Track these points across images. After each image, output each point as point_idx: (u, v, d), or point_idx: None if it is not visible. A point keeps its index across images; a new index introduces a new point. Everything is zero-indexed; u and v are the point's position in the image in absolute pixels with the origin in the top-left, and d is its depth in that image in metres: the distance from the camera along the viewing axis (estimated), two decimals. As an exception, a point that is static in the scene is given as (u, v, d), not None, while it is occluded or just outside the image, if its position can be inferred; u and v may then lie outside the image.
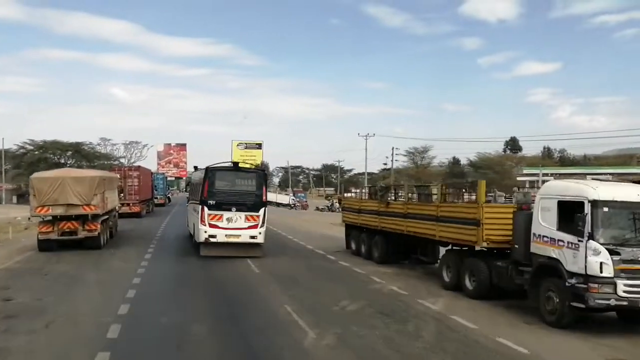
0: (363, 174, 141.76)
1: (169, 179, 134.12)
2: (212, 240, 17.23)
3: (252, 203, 17.61)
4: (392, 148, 68.11)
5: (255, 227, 17.47)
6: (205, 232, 17.19)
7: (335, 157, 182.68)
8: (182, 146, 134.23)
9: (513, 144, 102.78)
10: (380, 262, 17.19)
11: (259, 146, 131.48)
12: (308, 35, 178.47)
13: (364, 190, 19.92)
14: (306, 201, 65.28)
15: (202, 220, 17.19)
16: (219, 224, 17.21)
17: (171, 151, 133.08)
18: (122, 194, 30.66)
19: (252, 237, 17.47)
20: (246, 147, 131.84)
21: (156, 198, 52.09)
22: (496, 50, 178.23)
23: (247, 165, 25.45)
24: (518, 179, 61.01)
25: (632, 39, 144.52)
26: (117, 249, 19.52)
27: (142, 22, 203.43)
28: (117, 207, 25.71)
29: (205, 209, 17.23)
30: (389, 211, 16.55)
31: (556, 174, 62.28)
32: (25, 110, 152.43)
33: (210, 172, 17.91)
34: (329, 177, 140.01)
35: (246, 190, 17.84)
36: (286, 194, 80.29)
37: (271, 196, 79.03)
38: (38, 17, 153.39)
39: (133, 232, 26.15)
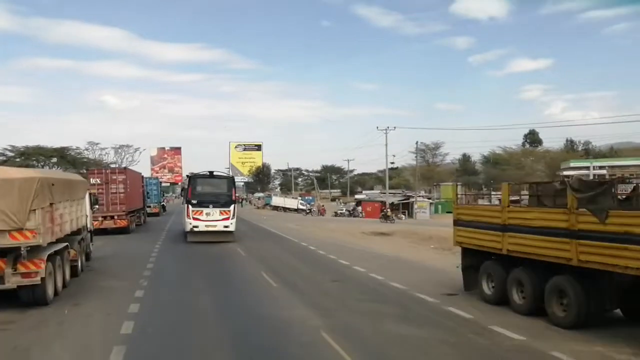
0: (368, 174, 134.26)
1: (163, 184, 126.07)
2: (195, 229, 22.10)
3: (224, 201, 22.42)
4: (417, 142, 59.42)
5: (227, 219, 22.26)
6: (190, 223, 22.16)
7: (333, 159, 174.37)
8: (177, 150, 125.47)
9: (533, 137, 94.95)
10: (571, 325, 8.92)
11: (258, 147, 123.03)
12: (299, 38, 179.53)
13: (524, 192, 11.29)
14: (323, 206, 56.78)
15: (188, 215, 22.22)
16: (200, 217, 22.02)
17: (165, 155, 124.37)
18: (98, 205, 22.16)
19: (225, 227, 22.31)
20: (245, 149, 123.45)
21: (149, 207, 43.62)
22: (488, 48, 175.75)
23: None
24: (564, 173, 53.03)
25: (622, 34, 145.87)
26: (77, 303, 10.91)
27: (133, 29, 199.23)
28: (88, 226, 17.27)
29: (190, 206, 22.14)
30: (608, 231, 8.20)
31: (608, 166, 54.39)
32: (15, 120, 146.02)
33: (192, 179, 23.48)
34: (329, 178, 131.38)
35: (219, 192, 22.71)
36: (294, 198, 71.90)
37: (278, 200, 70.75)
38: (28, 26, 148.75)
39: (113, 260, 17.67)
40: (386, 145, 58.32)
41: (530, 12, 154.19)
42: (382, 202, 57.26)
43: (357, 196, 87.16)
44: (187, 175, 29.31)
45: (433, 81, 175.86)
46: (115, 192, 27.44)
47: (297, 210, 67.95)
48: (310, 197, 78.74)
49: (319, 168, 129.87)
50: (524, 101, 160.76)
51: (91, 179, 26.98)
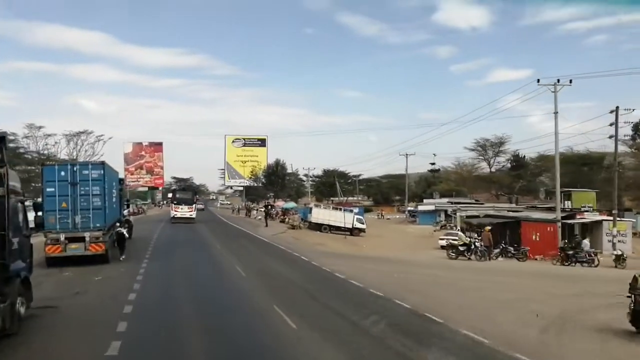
0: (373, 179, 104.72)
1: (139, 189, 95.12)
2: (175, 216, 42.62)
3: (189, 202, 44.41)
4: (616, 108, 30.27)
5: (191, 211, 43.18)
6: (172, 213, 43.26)
7: (326, 165, 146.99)
8: (158, 146, 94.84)
9: (641, 130, 67.56)
10: None
11: (262, 143, 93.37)
12: (282, 45, 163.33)
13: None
14: (490, 231, 26.81)
15: (172, 209, 44.02)
16: (177, 210, 42.97)
17: (143, 152, 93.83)
18: None
19: (190, 215, 42.80)
20: (245, 144, 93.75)
21: (79, 241, 14.82)
22: (469, 57, 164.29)
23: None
24: None
25: (601, 45, 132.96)
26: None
27: (113, 32, 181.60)
28: None
29: (173, 205, 44.40)
30: None
31: None
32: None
33: (174, 190, 53.75)
34: (334, 184, 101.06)
35: (187, 197, 45.46)
36: (349, 210, 43.11)
37: (324, 215, 41.86)
38: (7, 28, 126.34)
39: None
40: (555, 113, 30.19)
41: (512, 23, 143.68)
42: (550, 221, 29.15)
43: (421, 207, 58.98)
44: (172, 189, 63.36)
45: (417, 90, 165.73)
46: None
47: (351, 230, 39.53)
48: (357, 209, 50.02)
49: (319, 173, 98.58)
50: (503, 111, 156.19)
51: None
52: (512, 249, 24.41)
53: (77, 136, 62.09)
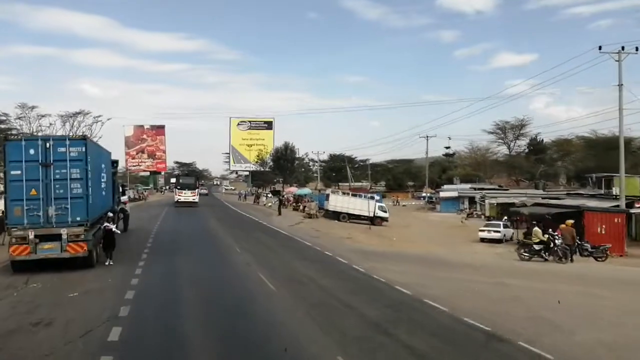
0: (379, 164, 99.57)
1: (141, 173, 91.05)
2: (179, 200, 45.97)
3: (192, 187, 47.63)
4: None
5: (194, 196, 46.39)
6: (176, 197, 47.14)
7: (330, 150, 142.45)
8: (160, 129, 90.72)
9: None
10: None
11: (268, 125, 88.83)
12: (285, 29, 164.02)
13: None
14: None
15: (176, 193, 48.14)
16: (181, 195, 46.48)
17: (144, 136, 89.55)
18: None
19: (193, 199, 46.04)
20: (250, 127, 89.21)
21: (26, 240, 10.91)
22: (474, 42, 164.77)
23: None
24: None
25: (606, 30, 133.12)
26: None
27: (115, 16, 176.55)
28: None
29: (176, 189, 48.45)
30: None
31: None
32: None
33: (178, 176, 59.18)
34: (342, 168, 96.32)
35: (190, 182, 49.05)
36: (363, 197, 38.82)
37: (343, 202, 37.61)
38: (8, 12, 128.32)
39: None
40: (620, 85, 25.88)
41: (516, 6, 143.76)
42: (617, 210, 24.97)
43: (442, 194, 54.65)
44: (175, 174, 71.08)
45: (420, 74, 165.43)
46: None
47: (372, 219, 35.43)
48: (377, 196, 45.75)
49: (325, 158, 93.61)
50: (508, 96, 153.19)
51: None
52: (589, 246, 20.29)
53: (73, 117, 57.40)
